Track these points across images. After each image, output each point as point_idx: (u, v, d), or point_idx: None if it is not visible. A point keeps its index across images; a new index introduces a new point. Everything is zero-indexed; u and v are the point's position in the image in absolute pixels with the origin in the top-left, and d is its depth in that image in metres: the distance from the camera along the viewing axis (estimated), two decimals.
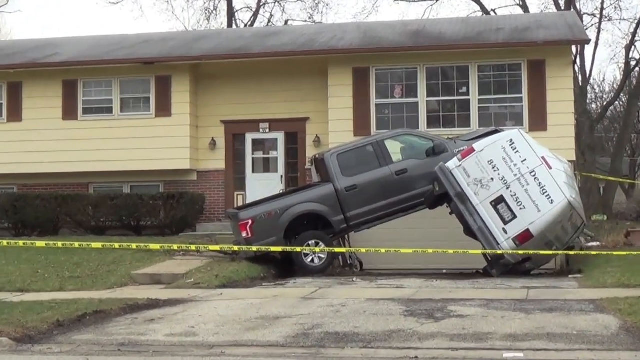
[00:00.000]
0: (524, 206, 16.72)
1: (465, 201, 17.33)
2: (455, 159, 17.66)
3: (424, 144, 19.31)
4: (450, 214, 18.37)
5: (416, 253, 18.05)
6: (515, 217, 16.79)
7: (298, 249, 17.94)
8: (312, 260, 18.23)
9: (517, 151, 17.17)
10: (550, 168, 16.88)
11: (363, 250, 18.92)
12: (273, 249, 17.55)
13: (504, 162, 17.10)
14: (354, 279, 17.12)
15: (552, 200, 16.56)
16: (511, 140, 17.38)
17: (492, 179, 17.11)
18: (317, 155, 20.38)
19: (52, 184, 25.30)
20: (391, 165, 19.02)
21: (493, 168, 17.14)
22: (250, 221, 18.20)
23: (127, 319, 11.73)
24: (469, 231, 17.65)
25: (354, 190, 18.71)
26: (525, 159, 17.05)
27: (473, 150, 17.49)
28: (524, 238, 16.64)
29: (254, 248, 17.56)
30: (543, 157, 17.08)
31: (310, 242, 18.27)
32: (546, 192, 16.64)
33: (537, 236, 16.60)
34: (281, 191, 22.88)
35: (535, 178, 16.80)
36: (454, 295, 13.48)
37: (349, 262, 20.52)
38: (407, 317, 11.03)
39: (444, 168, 17.66)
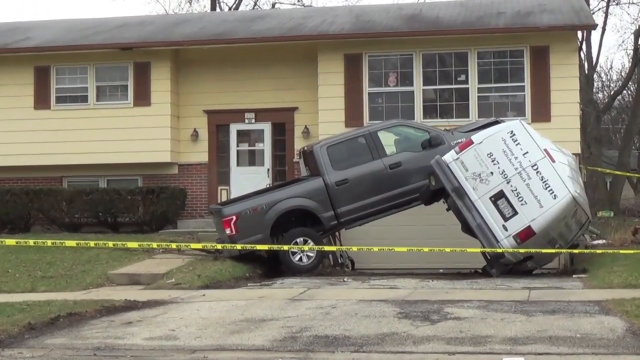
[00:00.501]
0: (525, 202, 16.74)
1: (463, 196, 17.33)
2: (452, 151, 17.64)
3: (420, 136, 19.29)
4: (447, 210, 18.38)
5: (411, 251, 18.08)
6: (516, 213, 16.79)
7: (286, 248, 17.93)
8: (300, 259, 18.22)
9: (519, 143, 17.17)
10: (554, 161, 16.91)
11: (355, 248, 18.95)
12: (259, 247, 17.54)
13: (504, 154, 17.10)
14: (345, 279, 17.15)
15: (555, 196, 16.59)
16: (512, 131, 17.38)
17: (492, 172, 17.12)
18: (305, 148, 20.35)
19: (23, 177, 25.27)
20: (384, 158, 19.00)
21: (493, 161, 17.14)
22: (234, 217, 18.18)
23: (103, 321, 11.73)
24: (467, 228, 17.67)
25: (345, 185, 18.70)
26: (527, 152, 17.06)
27: (471, 142, 17.49)
28: (526, 235, 16.67)
29: (239, 246, 17.57)
30: (546, 150, 17.10)
31: (298, 240, 18.26)
32: (549, 186, 16.65)
33: (540, 233, 16.64)
34: (268, 185, 22.89)
35: (537, 172, 16.82)
36: (451, 296, 13.52)
37: (339, 261, 20.56)
38: (401, 319, 11.06)
39: (440, 161, 17.65)
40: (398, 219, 20.07)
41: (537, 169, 16.83)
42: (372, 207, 18.83)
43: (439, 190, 17.89)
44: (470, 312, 11.56)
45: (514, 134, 17.29)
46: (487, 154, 17.20)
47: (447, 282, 16.17)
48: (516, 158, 17.02)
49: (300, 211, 18.64)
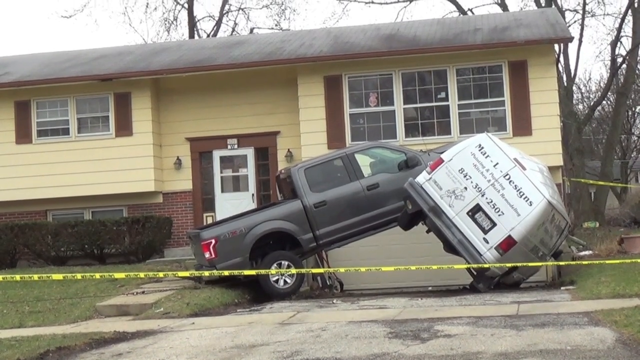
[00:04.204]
0: (502, 212, 16.75)
1: (441, 215, 17.32)
2: (424, 172, 17.65)
3: (396, 157, 19.31)
4: (428, 232, 18.38)
5: (398, 270, 18.07)
6: (494, 224, 16.81)
7: (273, 272, 17.89)
8: (280, 282, 18.17)
9: (488, 155, 17.21)
10: (524, 169, 16.95)
11: (342, 269, 18.93)
12: (246, 272, 17.46)
13: (475, 168, 17.13)
14: (334, 301, 17.12)
15: (530, 202, 16.61)
16: (480, 145, 17.43)
17: (466, 188, 17.14)
18: (281, 172, 20.35)
19: (7, 213, 25.18)
20: (362, 180, 18.99)
21: (465, 176, 17.16)
22: (213, 241, 18.07)
23: (93, 354, 11.67)
24: (449, 247, 17.67)
25: (323, 207, 18.67)
26: (497, 163, 17.09)
27: (442, 160, 17.51)
28: (507, 245, 16.66)
29: (226, 272, 17.49)
30: (515, 159, 17.15)
31: (282, 262, 18.21)
32: (523, 194, 16.67)
33: (521, 241, 16.64)
34: None
35: (510, 181, 16.85)
36: (440, 313, 13.52)
37: (328, 283, 20.52)
38: (391, 339, 11.05)
39: (413, 184, 17.66)
40: (385, 238, 20.08)
41: (509, 178, 16.87)
42: (350, 229, 18.81)
43: (416, 213, 17.87)
44: (460, 328, 11.56)
45: (482, 147, 17.33)
46: (459, 170, 17.24)
47: (436, 300, 16.17)
48: (487, 170, 17.05)
49: (279, 234, 18.58)
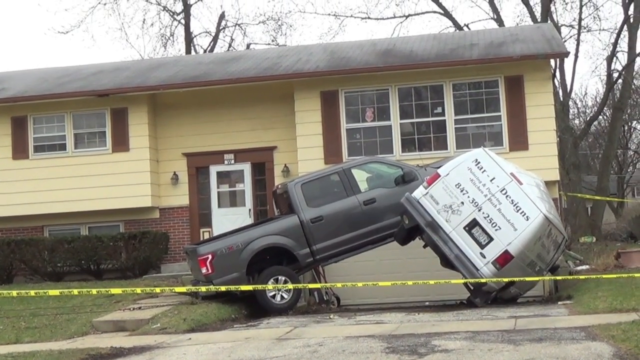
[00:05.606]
0: (499, 227, 16.76)
1: (438, 230, 17.32)
2: (421, 187, 17.66)
3: (393, 172, 19.31)
4: (424, 247, 18.37)
5: (395, 285, 18.05)
6: (491, 239, 16.81)
7: (270, 287, 17.87)
8: (276, 298, 18.14)
9: (484, 170, 17.23)
10: (521, 184, 16.97)
11: (339, 285, 18.89)
12: (243, 288, 17.44)
13: (472, 183, 17.15)
14: (331, 316, 17.10)
15: (527, 217, 16.62)
16: (476, 160, 17.45)
17: (462, 202, 17.16)
18: (278, 187, 20.34)
19: (3, 228, 25.15)
20: (359, 194, 18.99)
21: (462, 191, 17.19)
22: (210, 256, 18.03)
23: None
24: (446, 262, 17.67)
25: (320, 222, 18.66)
26: (494, 178, 17.11)
27: (438, 175, 17.53)
28: (504, 260, 16.66)
29: (223, 288, 17.47)
30: (512, 174, 17.18)
31: (279, 278, 18.17)
32: (520, 209, 16.68)
33: (517, 256, 16.64)
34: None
35: (506, 196, 16.86)
36: (437, 328, 13.51)
37: (325, 298, 20.50)
38: (388, 354, 11.04)
39: (410, 199, 17.66)
40: (382, 253, 20.06)
41: (506, 193, 16.88)
42: (347, 244, 18.79)
43: (413, 228, 17.87)
44: (457, 343, 11.55)
45: (479, 162, 17.36)
46: (456, 185, 17.26)
47: (433, 315, 16.16)
48: (484, 185, 17.07)
49: (276, 249, 18.55)
